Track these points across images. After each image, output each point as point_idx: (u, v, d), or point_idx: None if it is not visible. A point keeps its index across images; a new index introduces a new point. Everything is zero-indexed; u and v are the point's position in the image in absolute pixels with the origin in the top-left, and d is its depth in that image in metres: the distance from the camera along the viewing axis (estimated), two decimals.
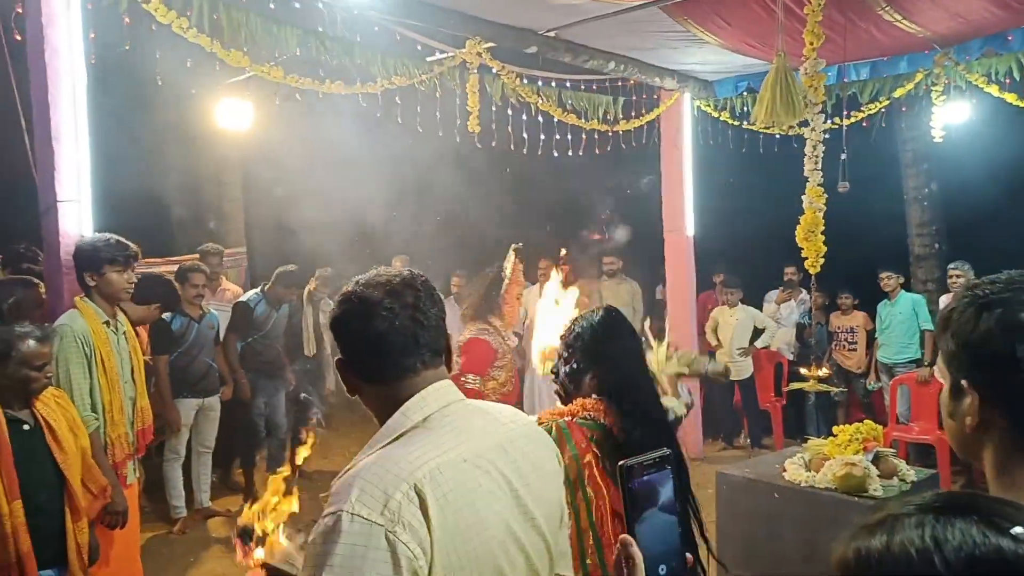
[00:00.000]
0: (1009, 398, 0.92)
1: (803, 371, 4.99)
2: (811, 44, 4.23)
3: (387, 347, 1.29)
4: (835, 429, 3.69)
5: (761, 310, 7.39)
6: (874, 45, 5.47)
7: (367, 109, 4.88)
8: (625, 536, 0.94)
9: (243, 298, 5.86)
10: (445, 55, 5.17)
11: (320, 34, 4.49)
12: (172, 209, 7.77)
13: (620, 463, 0.94)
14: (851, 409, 6.93)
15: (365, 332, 1.29)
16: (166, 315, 5.09)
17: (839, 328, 6.95)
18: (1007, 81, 5.43)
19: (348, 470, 1.22)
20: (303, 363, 6.38)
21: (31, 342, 2.66)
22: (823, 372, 4.97)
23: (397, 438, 1.25)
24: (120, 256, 3.21)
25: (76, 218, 3.26)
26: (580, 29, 5.17)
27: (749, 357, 6.89)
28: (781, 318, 7.43)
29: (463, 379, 3.82)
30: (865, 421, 4.06)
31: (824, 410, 7.07)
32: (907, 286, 8.22)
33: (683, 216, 6.64)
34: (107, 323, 3.25)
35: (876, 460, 3.72)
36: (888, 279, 6.51)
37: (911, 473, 3.86)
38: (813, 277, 4.21)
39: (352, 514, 1.11)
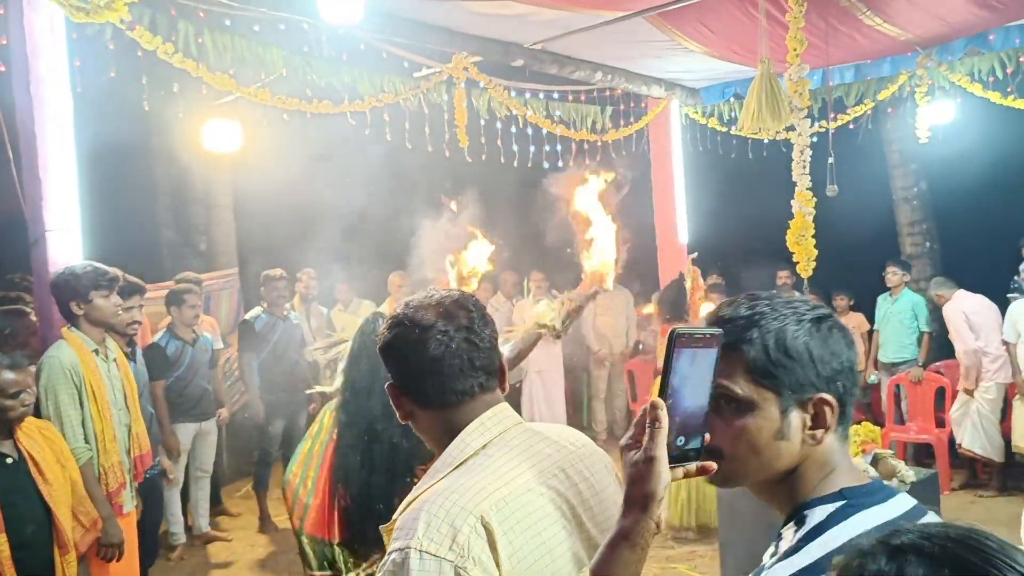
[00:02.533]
0: None
1: None
2: (794, 50, 4.26)
3: (443, 371, 1.26)
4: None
5: None
6: (857, 49, 5.51)
7: (356, 127, 4.89)
8: (657, 399, 0.93)
9: (246, 316, 5.88)
10: (432, 71, 5.19)
11: (306, 54, 4.50)
12: (162, 233, 7.75)
13: (673, 328, 0.94)
14: None
15: (420, 356, 1.26)
16: (160, 339, 5.08)
17: None
18: (990, 80, 5.48)
19: (411, 502, 1.21)
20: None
21: (3, 371, 2.64)
22: None
23: (458, 466, 1.23)
24: (104, 280, 3.18)
25: (66, 247, 3.24)
26: (566, 41, 5.20)
27: None
28: None
29: None
30: (863, 423, 4.06)
31: None
32: None
33: (675, 223, 6.66)
34: (96, 351, 3.22)
35: (875, 462, 3.72)
36: (894, 274, 6.46)
37: (910, 474, 3.86)
38: (805, 280, 4.22)
39: (420, 551, 1.10)
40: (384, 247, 8.88)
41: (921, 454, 6.19)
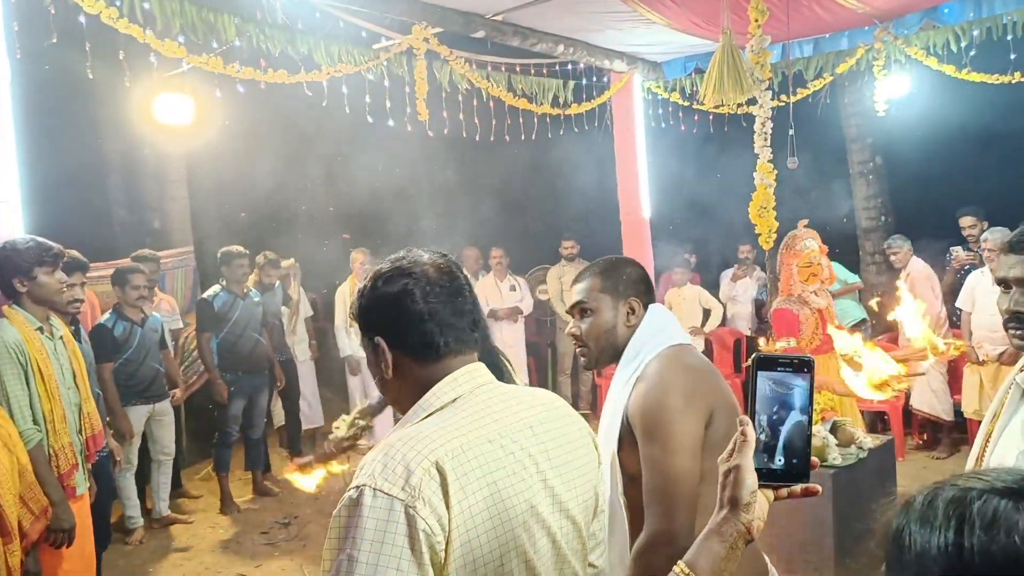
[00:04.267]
0: None
1: (762, 344, 5.06)
2: (756, 21, 4.26)
3: (438, 323, 1.30)
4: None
5: (719, 289, 7.48)
6: (816, 22, 5.53)
7: (313, 99, 4.76)
8: (743, 416, 1.02)
9: (203, 295, 5.76)
10: (391, 41, 5.07)
11: (259, 22, 4.35)
12: (112, 210, 7.50)
13: (756, 353, 1.02)
14: None
15: (416, 306, 1.30)
16: (107, 320, 4.93)
17: None
18: (945, 53, 5.56)
19: (375, 446, 1.24)
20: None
21: None
22: (784, 345, 5.04)
23: (426, 417, 1.27)
24: (47, 256, 3.05)
25: (6, 220, 3.10)
26: (527, 12, 5.12)
27: (701, 338, 6.97)
28: (738, 295, 7.54)
29: (779, 344, 4.54)
30: (822, 391, 4.12)
31: None
32: (856, 259, 8.44)
33: (639, 198, 6.66)
34: (40, 329, 3.10)
35: (834, 429, 3.79)
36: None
37: (868, 440, 3.94)
38: (767, 253, 4.26)
39: (375, 488, 1.13)
40: (347, 222, 8.77)
41: (876, 423, 6.35)
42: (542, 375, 8.05)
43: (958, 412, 5.81)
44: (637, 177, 6.68)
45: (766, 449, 1.01)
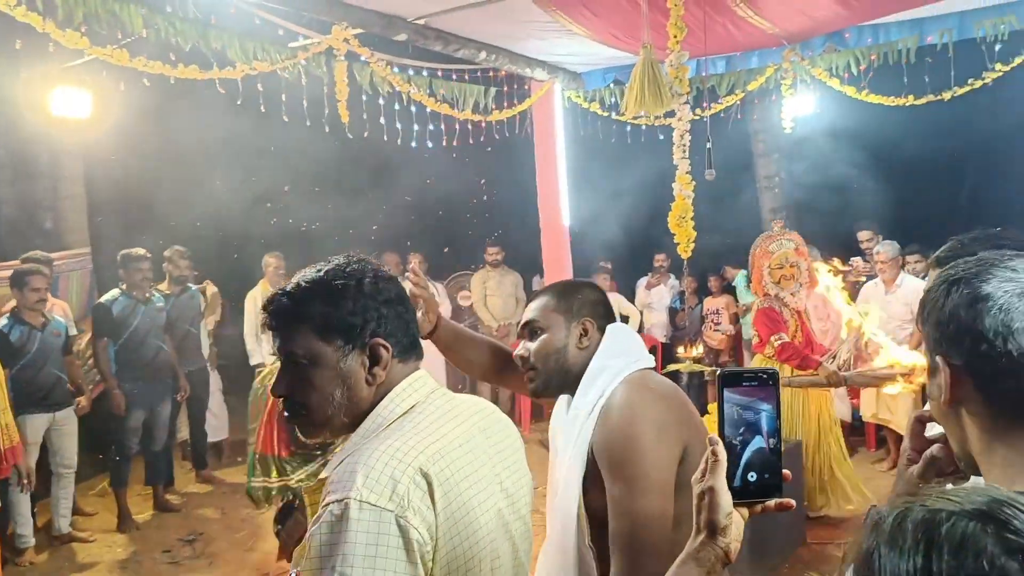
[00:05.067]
0: (979, 372, 0.90)
1: (680, 352, 5.18)
2: (675, 37, 4.36)
3: (390, 331, 1.28)
4: (709, 407, 3.85)
5: (635, 297, 7.63)
6: (730, 40, 5.73)
7: (226, 97, 4.58)
8: (713, 435, 0.99)
9: (101, 299, 5.45)
10: (309, 40, 4.93)
11: (169, 15, 4.15)
12: (0, 209, 6.99)
13: (720, 369, 1.01)
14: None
15: (388, 302, 1.28)
16: (3, 325, 4.60)
17: (709, 310, 7.30)
18: (846, 75, 5.87)
19: (343, 460, 1.18)
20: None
21: None
22: (697, 352, 5.18)
23: (388, 426, 1.24)
24: None
25: None
26: (450, 18, 5.09)
27: None
28: (652, 303, 7.71)
29: (772, 339, 4.62)
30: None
31: (696, 389, 7.41)
32: None
33: (559, 206, 6.72)
34: None
35: None
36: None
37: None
38: (686, 262, 4.36)
39: (360, 501, 1.09)
40: (257, 226, 8.47)
41: None
42: (457, 376, 7.99)
43: (857, 416, 6.12)
44: (557, 185, 6.74)
45: (738, 466, 0.99)
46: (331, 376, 1.24)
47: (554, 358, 1.75)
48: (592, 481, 1.62)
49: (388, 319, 1.28)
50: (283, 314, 1.26)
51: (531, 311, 1.81)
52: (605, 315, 1.82)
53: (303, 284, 1.27)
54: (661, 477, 1.54)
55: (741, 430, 0.99)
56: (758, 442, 0.99)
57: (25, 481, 4.27)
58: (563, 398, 1.83)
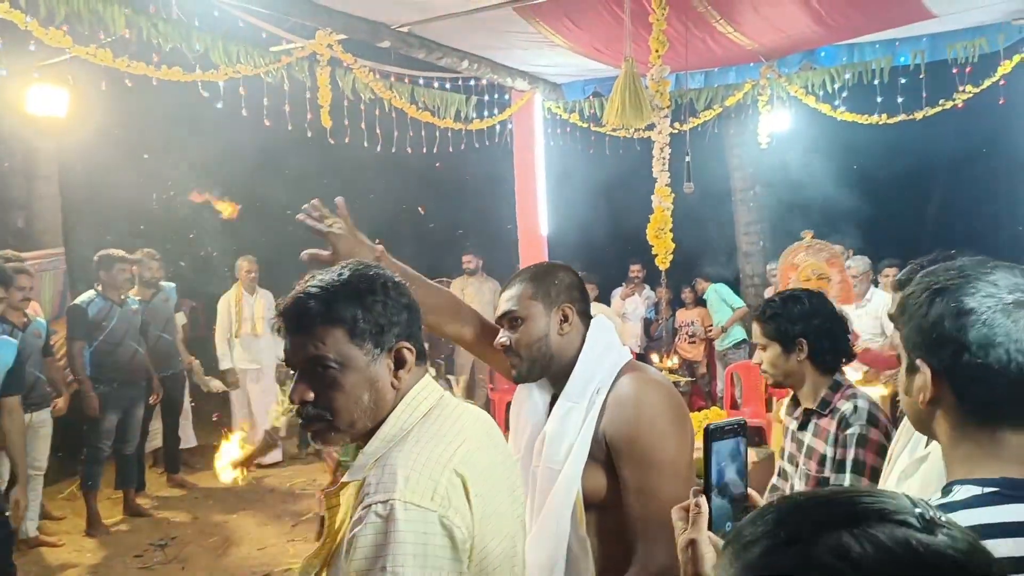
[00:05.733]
0: (957, 377, 0.98)
1: (656, 362, 5.24)
2: (656, 51, 4.43)
3: (416, 329, 1.30)
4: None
5: (609, 307, 7.67)
6: (709, 55, 5.83)
7: (208, 100, 4.56)
8: (696, 488, 1.03)
9: (76, 301, 5.39)
10: (292, 45, 4.94)
11: (152, 15, 4.12)
12: None
13: (707, 425, 1.02)
14: (693, 398, 7.38)
15: (408, 307, 1.29)
16: None
17: (683, 322, 7.38)
18: (821, 93, 6.00)
19: (371, 464, 1.20)
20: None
21: None
22: (672, 363, 5.24)
23: (411, 430, 1.25)
24: None
25: None
26: (434, 26, 5.12)
27: None
28: (627, 313, 7.78)
29: None
30: (712, 408, 4.32)
31: None
32: (737, 280, 8.91)
33: (536, 215, 6.76)
34: None
35: None
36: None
37: (751, 454, 4.16)
38: (663, 273, 4.42)
39: (405, 502, 1.11)
40: (234, 229, 8.41)
41: (753, 437, 6.71)
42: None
43: None
44: (535, 194, 6.78)
45: (720, 515, 1.03)
46: (360, 380, 1.23)
47: (537, 346, 1.74)
48: (594, 468, 1.65)
49: (412, 323, 1.29)
50: (312, 317, 1.22)
51: (508, 300, 1.78)
52: (582, 298, 1.82)
53: (332, 286, 1.23)
54: (685, 463, 1.62)
55: (724, 478, 1.04)
56: (735, 490, 1.05)
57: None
58: (527, 385, 1.83)
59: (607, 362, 1.72)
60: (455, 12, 4.81)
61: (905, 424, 1.68)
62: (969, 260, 1.04)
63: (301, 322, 1.22)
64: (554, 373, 1.77)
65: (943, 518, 0.62)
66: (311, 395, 1.23)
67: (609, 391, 1.67)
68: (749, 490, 1.07)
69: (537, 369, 1.77)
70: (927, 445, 1.53)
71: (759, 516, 0.66)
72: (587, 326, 1.79)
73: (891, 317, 1.11)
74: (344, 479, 1.25)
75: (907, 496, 0.64)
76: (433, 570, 1.10)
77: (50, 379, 4.99)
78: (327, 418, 1.24)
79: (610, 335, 1.79)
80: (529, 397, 1.84)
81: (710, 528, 1.01)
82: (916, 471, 1.53)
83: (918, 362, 1.02)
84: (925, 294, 1.02)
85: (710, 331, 7.23)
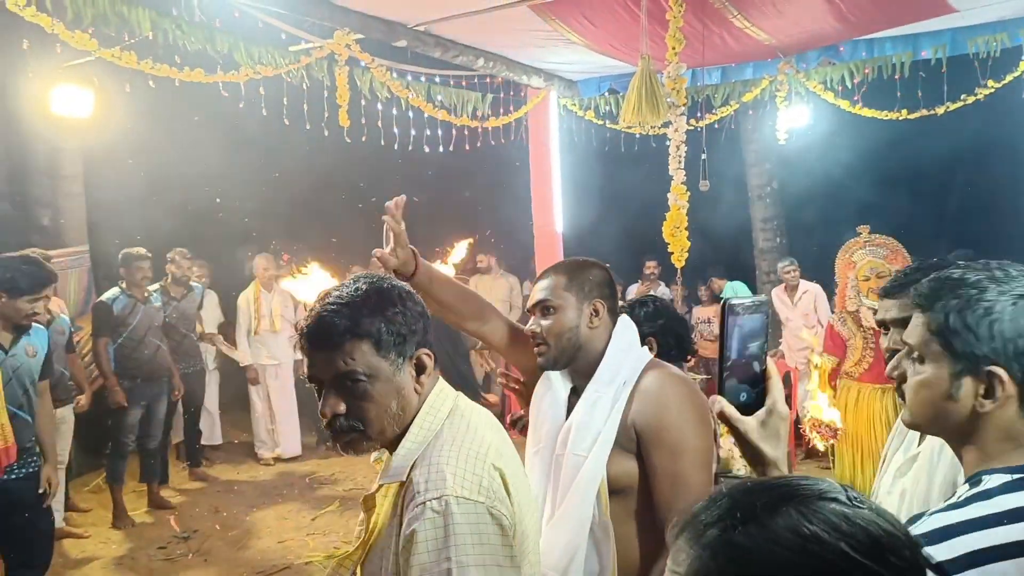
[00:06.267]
0: None
1: None
2: (673, 48, 4.44)
3: (430, 336, 1.35)
4: None
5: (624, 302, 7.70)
6: (726, 51, 5.82)
7: (229, 100, 4.62)
8: (715, 396, 1.06)
9: (101, 298, 5.50)
10: (311, 45, 4.99)
11: (175, 18, 4.20)
12: None
13: (724, 300, 1.05)
14: (709, 395, 7.37)
15: (423, 315, 1.33)
16: None
17: (699, 319, 7.37)
18: (840, 88, 5.97)
19: (409, 465, 1.26)
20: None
21: None
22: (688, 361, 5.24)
23: (438, 430, 1.31)
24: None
25: None
26: (450, 25, 5.15)
27: None
28: None
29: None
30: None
31: None
32: (753, 277, 8.87)
33: (552, 212, 6.78)
34: None
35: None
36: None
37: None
38: (679, 270, 4.43)
39: (458, 497, 1.18)
40: (259, 227, 8.50)
41: None
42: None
43: None
44: (551, 191, 6.81)
45: (739, 384, 1.06)
46: (388, 389, 1.27)
47: (567, 337, 1.82)
48: (614, 456, 1.73)
49: (427, 329, 1.34)
50: (339, 332, 1.24)
51: (542, 290, 1.86)
52: (612, 295, 1.90)
53: (354, 302, 1.25)
54: (711, 453, 1.73)
55: (739, 349, 1.06)
56: (751, 360, 1.08)
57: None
58: (550, 374, 1.91)
59: (632, 357, 1.82)
60: (471, 11, 4.84)
61: (898, 426, 1.70)
62: (997, 263, 1.06)
63: (328, 339, 1.24)
64: (578, 365, 1.84)
65: (860, 497, 0.71)
66: (343, 407, 1.26)
67: (635, 385, 1.76)
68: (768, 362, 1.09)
69: (564, 359, 1.84)
70: (919, 444, 1.56)
71: (713, 502, 0.73)
72: (615, 323, 1.88)
73: (930, 329, 1.07)
74: (380, 481, 1.30)
75: (831, 480, 0.74)
76: (490, 557, 1.16)
77: (73, 376, 5.07)
78: (359, 428, 1.28)
79: (634, 334, 1.88)
80: (550, 390, 1.91)
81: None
82: (910, 469, 1.57)
83: (993, 368, 1.02)
84: (1004, 299, 1.02)
85: None
